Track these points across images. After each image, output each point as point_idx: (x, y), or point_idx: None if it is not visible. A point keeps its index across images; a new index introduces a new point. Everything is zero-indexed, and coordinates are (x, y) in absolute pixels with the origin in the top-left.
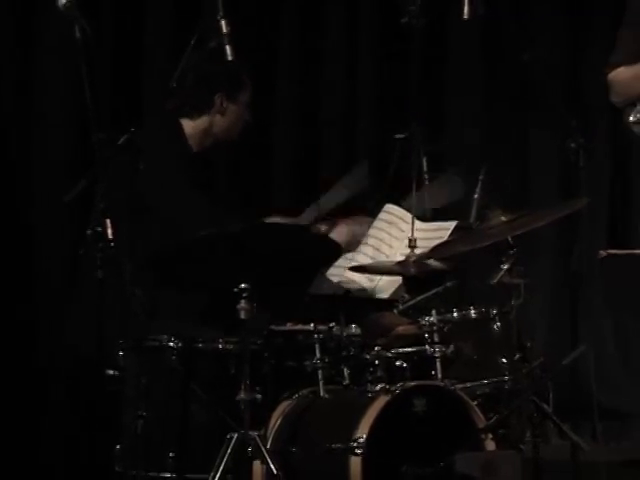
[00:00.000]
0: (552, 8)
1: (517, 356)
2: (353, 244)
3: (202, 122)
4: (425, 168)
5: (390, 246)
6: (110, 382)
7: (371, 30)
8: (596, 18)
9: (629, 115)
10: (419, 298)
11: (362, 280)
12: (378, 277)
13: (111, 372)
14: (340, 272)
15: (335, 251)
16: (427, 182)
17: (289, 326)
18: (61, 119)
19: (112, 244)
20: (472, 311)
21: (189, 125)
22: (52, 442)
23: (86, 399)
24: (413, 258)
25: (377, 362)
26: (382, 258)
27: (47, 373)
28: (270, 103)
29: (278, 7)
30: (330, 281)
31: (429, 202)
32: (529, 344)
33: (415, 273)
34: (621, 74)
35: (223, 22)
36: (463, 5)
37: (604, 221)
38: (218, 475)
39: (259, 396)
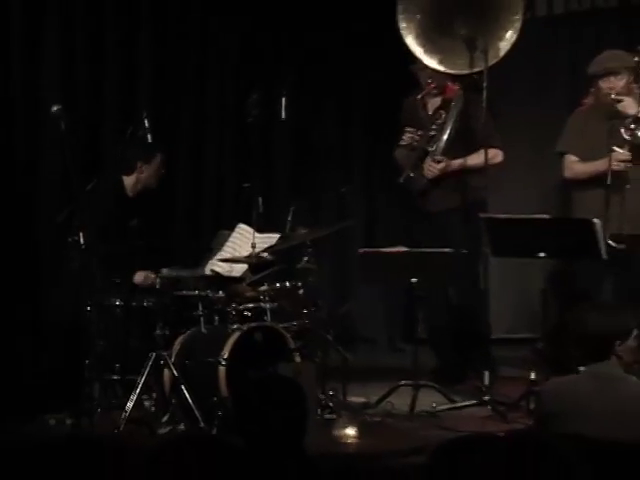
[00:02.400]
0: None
1: (313, 309)
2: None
3: (132, 177)
4: (261, 203)
5: (241, 247)
6: (82, 326)
7: (229, 126)
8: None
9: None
10: (258, 276)
11: (225, 266)
12: (235, 264)
13: (82, 320)
14: (213, 262)
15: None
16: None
17: (184, 292)
18: (54, 173)
19: (83, 247)
20: (287, 283)
21: (126, 179)
22: (46, 361)
23: (68, 336)
24: (254, 254)
25: (234, 312)
26: (237, 254)
27: (47, 320)
28: (174, 167)
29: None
30: (207, 267)
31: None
32: (319, 302)
33: (255, 262)
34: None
35: (146, 119)
36: (281, 111)
37: (362, 233)
38: (144, 377)
39: (167, 332)
